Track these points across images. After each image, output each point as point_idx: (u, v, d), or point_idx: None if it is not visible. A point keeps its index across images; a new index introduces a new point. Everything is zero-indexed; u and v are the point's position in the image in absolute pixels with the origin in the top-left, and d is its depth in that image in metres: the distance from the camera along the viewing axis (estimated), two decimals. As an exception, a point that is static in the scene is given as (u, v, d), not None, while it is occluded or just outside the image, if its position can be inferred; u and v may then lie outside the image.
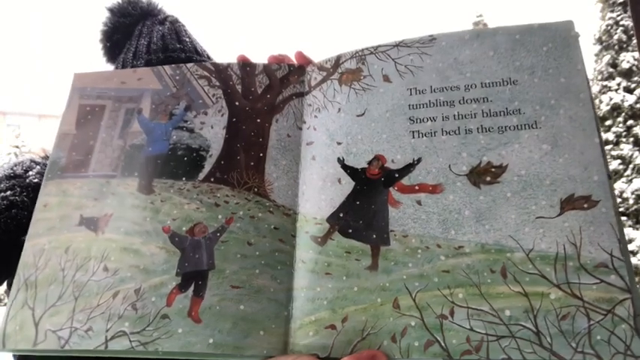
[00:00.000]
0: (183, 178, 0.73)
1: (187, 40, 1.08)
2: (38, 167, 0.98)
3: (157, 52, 1.02)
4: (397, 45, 0.76)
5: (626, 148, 13.36)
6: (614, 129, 11.87)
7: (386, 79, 0.74)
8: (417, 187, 0.68)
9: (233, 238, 0.68)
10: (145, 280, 0.66)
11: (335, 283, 0.65)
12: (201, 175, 0.73)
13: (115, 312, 0.65)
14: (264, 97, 0.78)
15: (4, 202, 0.90)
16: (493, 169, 0.66)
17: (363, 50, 0.77)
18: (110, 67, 1.14)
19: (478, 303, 0.60)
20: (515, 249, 0.62)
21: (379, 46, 0.77)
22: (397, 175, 0.69)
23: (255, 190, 0.71)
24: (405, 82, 0.74)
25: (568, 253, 0.61)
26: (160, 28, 1.07)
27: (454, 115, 0.70)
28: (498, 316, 0.59)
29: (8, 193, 0.91)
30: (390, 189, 0.68)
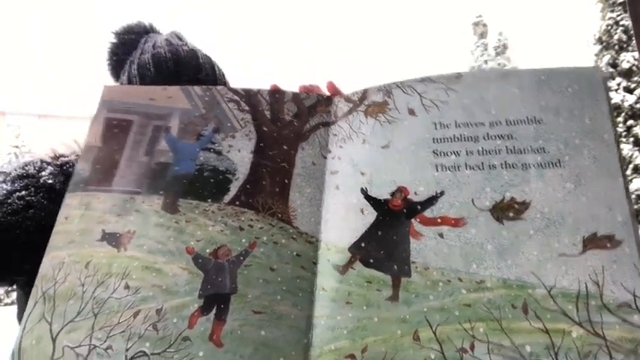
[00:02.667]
0: (209, 200, 0.74)
1: (189, 42, 1.13)
2: (51, 168, 0.98)
3: (163, 47, 1.05)
4: (424, 80, 0.78)
5: (626, 148, 13.38)
6: (613, 129, 12.72)
7: (411, 112, 0.76)
8: (439, 220, 0.68)
9: (256, 262, 0.69)
10: (166, 301, 0.67)
11: (355, 313, 0.65)
12: (227, 198, 0.74)
13: (136, 331, 0.65)
14: (291, 124, 0.80)
15: (21, 202, 0.90)
16: (516, 205, 0.67)
17: (390, 84, 0.79)
18: (115, 83, 1.18)
19: (499, 338, 0.60)
20: (536, 285, 0.62)
21: (406, 80, 0.79)
22: (419, 207, 0.70)
23: (279, 215, 0.72)
24: (430, 116, 0.75)
25: (590, 292, 0.61)
26: (163, 36, 1.14)
27: (478, 151, 0.71)
28: (519, 352, 0.59)
29: (24, 192, 0.91)
30: (412, 221, 0.69)
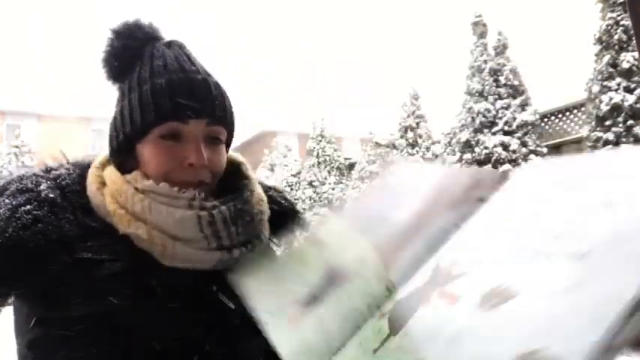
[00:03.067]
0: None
1: (198, 62, 1.08)
2: (47, 182, 0.97)
3: (176, 72, 1.01)
4: (565, 161, 0.65)
5: (630, 146, 0.27)
6: (614, 129, 11.48)
7: (509, 190, 0.66)
8: (448, 295, 0.59)
9: (345, 285, 0.80)
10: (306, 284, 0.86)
11: (354, 351, 0.68)
12: None
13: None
14: (456, 197, 0.81)
15: (29, 216, 0.89)
16: (504, 294, 0.50)
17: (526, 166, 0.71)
18: (114, 87, 1.11)
19: None
20: None
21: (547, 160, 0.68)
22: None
23: (384, 256, 0.79)
24: (517, 198, 0.64)
25: None
26: (171, 52, 1.05)
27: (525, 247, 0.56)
28: None
29: (29, 207, 0.90)
30: (436, 289, 0.63)
